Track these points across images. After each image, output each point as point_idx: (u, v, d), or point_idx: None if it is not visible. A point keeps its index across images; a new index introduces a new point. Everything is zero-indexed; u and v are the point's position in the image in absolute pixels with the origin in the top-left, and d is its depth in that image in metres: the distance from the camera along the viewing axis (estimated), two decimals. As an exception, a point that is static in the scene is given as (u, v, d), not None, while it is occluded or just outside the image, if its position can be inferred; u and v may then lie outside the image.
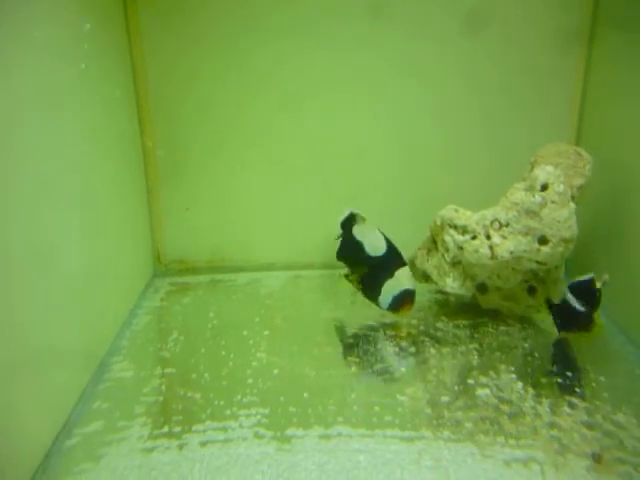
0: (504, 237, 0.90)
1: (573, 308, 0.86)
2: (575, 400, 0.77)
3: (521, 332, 0.94)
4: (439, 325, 0.97)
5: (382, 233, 0.97)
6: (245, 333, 0.95)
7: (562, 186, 0.88)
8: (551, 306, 0.91)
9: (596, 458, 0.67)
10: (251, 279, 1.18)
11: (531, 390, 0.79)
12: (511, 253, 0.89)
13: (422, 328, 0.96)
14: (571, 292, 0.87)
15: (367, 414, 0.75)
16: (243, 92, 1.10)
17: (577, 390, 0.79)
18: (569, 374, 0.83)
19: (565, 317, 0.89)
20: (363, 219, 0.99)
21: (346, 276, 1.00)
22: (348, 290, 1.05)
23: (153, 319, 1.03)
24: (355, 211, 1.00)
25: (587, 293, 0.86)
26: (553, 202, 0.88)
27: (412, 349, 0.90)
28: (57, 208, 0.75)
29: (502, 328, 0.95)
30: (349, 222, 1.01)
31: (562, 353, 0.90)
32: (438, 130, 1.13)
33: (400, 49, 1.08)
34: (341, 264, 1.03)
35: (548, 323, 0.93)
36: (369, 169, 1.15)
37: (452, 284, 0.96)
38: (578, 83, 1.10)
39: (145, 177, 1.14)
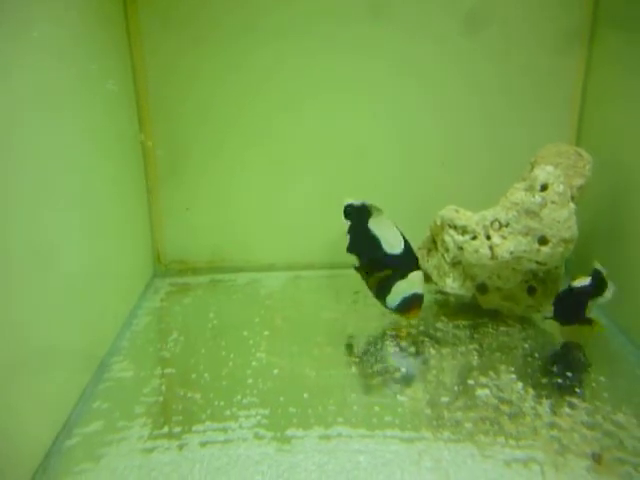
0: (504, 237, 0.90)
1: (578, 288, 0.87)
2: (575, 400, 0.77)
3: (521, 332, 0.94)
4: (439, 325, 0.97)
5: (399, 230, 0.94)
6: (245, 333, 0.95)
7: (562, 186, 0.88)
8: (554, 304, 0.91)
9: (596, 458, 0.67)
10: (251, 279, 1.18)
11: (531, 390, 0.79)
12: (511, 253, 0.89)
13: (422, 328, 0.96)
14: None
15: (367, 414, 0.75)
16: (243, 92, 1.10)
17: (577, 390, 0.79)
18: (569, 374, 0.83)
19: (567, 307, 0.89)
20: (379, 211, 0.95)
21: (356, 268, 0.97)
22: (348, 290, 1.06)
23: (153, 319, 1.03)
24: (369, 203, 0.96)
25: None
26: (553, 202, 0.88)
27: (412, 349, 0.90)
28: (57, 208, 0.75)
29: (502, 328, 0.95)
30: (361, 214, 0.97)
31: (562, 353, 0.90)
32: (438, 130, 1.13)
33: (400, 49, 1.08)
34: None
35: (548, 323, 0.93)
36: (369, 169, 1.15)
37: (452, 284, 0.96)
38: (578, 83, 1.10)
39: (145, 177, 1.14)
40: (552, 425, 0.72)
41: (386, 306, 0.94)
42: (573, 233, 0.87)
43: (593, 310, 0.87)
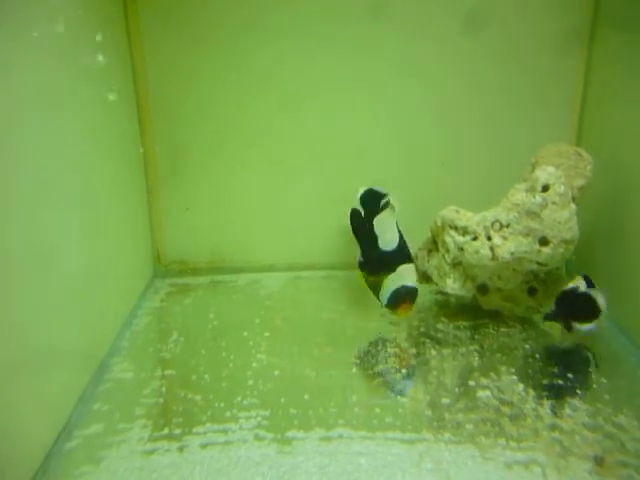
0: (505, 238, 0.89)
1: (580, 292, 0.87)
2: (576, 402, 0.77)
3: (522, 333, 0.94)
4: (439, 326, 0.97)
5: (398, 228, 0.95)
6: (245, 334, 0.95)
7: (563, 187, 0.88)
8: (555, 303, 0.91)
9: (598, 461, 0.67)
10: (251, 280, 1.17)
11: (532, 392, 0.79)
12: (512, 254, 0.88)
13: (422, 329, 0.96)
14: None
15: (368, 416, 0.75)
16: (243, 92, 1.10)
17: (578, 392, 0.79)
18: (570, 376, 0.83)
19: (570, 306, 0.89)
20: (394, 209, 0.97)
21: (360, 264, 0.98)
22: (348, 291, 1.06)
23: (153, 320, 1.03)
24: (390, 198, 0.98)
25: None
26: (554, 203, 0.87)
27: (412, 350, 0.90)
28: (57, 208, 0.74)
29: (503, 329, 0.95)
30: (375, 205, 0.98)
31: (563, 354, 0.90)
32: (438, 130, 1.13)
33: (400, 49, 1.08)
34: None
35: (548, 324, 0.93)
36: (369, 169, 1.15)
37: (453, 285, 0.96)
38: (578, 83, 1.10)
39: (145, 177, 1.14)
40: (553, 427, 0.72)
41: (381, 305, 0.93)
42: (574, 234, 0.87)
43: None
